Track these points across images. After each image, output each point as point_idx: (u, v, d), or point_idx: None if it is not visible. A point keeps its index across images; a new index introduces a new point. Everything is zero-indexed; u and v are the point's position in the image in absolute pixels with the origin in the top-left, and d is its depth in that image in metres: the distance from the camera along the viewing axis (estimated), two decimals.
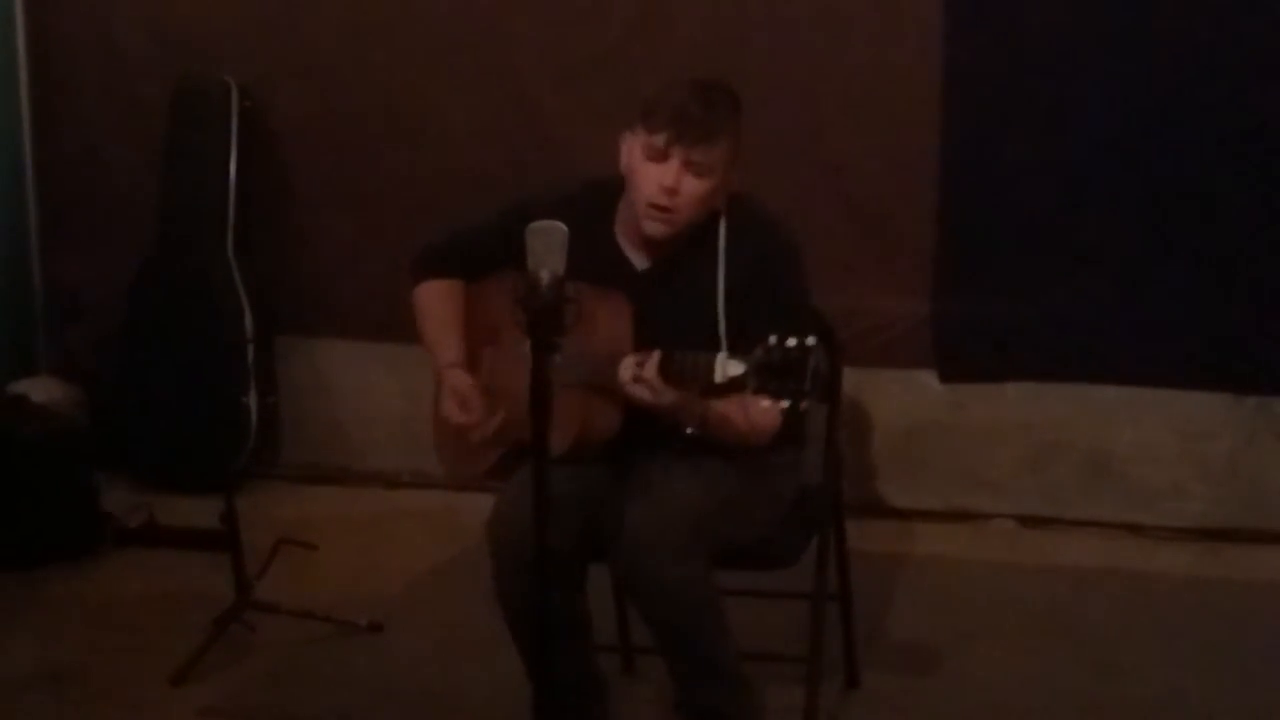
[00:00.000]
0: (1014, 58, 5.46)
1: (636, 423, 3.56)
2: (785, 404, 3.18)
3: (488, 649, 4.08)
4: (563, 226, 2.99)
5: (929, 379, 5.73)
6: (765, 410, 3.34)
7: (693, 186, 3.54)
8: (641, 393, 3.40)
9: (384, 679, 4.43)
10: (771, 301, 3.57)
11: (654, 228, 3.57)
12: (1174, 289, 5.47)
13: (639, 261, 3.69)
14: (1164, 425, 5.61)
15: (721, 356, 3.27)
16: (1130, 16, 5.34)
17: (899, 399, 5.78)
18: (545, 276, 2.94)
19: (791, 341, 3.14)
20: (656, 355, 3.40)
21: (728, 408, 3.49)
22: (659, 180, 3.53)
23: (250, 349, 6.09)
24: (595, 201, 3.68)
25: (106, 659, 4.58)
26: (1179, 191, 5.41)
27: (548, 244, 2.98)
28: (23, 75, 6.36)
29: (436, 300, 3.87)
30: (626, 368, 3.42)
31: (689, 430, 3.51)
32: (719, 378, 3.26)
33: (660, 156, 3.53)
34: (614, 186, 3.68)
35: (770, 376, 3.16)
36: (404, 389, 6.02)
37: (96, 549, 5.44)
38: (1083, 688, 4.36)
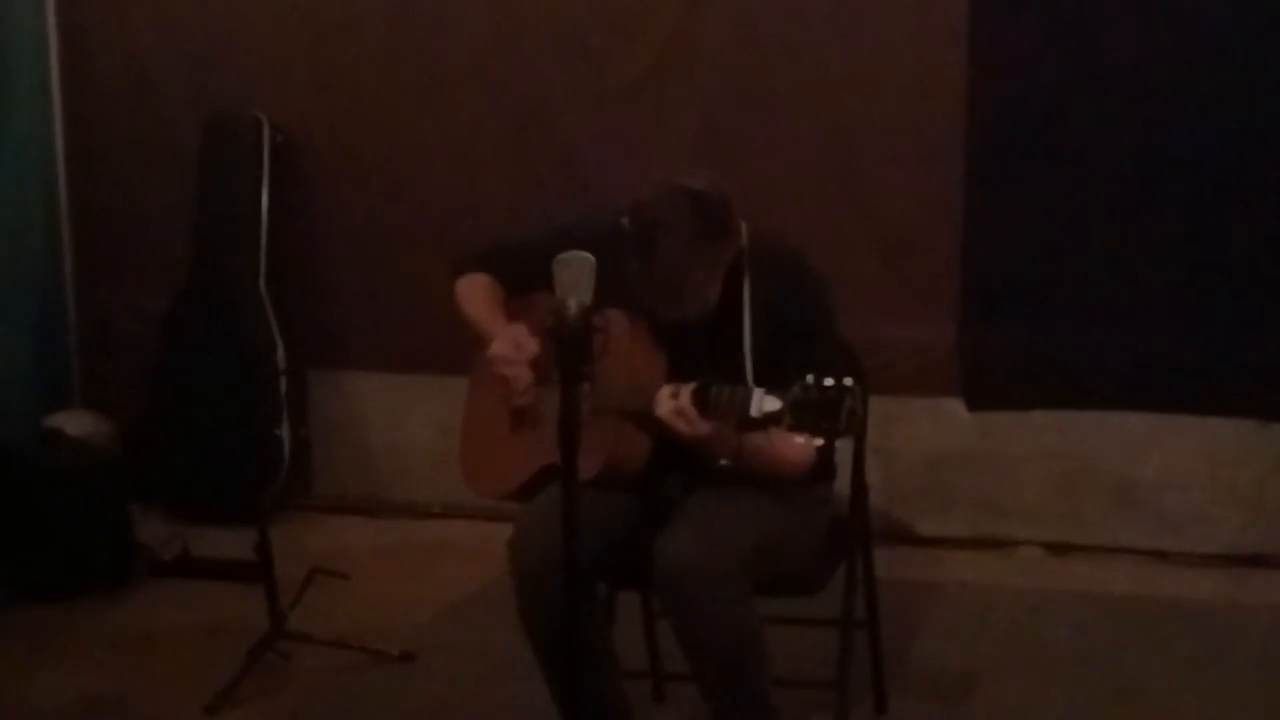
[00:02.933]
0: (1039, 92, 5.47)
1: (669, 453, 3.59)
2: (819, 442, 3.22)
3: (518, 678, 4.09)
4: (590, 257, 3.01)
5: (956, 407, 5.74)
6: (799, 446, 3.37)
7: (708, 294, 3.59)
8: (678, 423, 3.42)
9: (416, 708, 4.46)
10: (800, 337, 3.59)
11: (665, 314, 3.61)
12: (1201, 317, 5.47)
13: None
14: (1191, 452, 5.61)
15: (759, 392, 3.29)
16: (1156, 55, 5.35)
17: (927, 427, 5.79)
18: (573, 306, 2.97)
19: (828, 381, 3.17)
20: (691, 386, 3.42)
21: (761, 441, 3.50)
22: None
23: (283, 381, 6.13)
24: (636, 221, 3.69)
25: (142, 689, 4.62)
26: (1206, 221, 5.41)
27: (575, 275, 3.00)
28: (58, 110, 6.42)
29: (481, 288, 3.87)
30: (665, 397, 3.44)
31: (722, 462, 3.53)
32: (755, 412, 3.28)
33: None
34: None
35: (805, 414, 3.19)
36: (434, 420, 6.05)
37: (131, 580, 5.49)
38: (1110, 715, 4.36)
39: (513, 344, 3.68)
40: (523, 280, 3.78)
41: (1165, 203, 5.44)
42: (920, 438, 5.79)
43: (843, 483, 4.01)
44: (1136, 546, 5.62)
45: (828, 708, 3.93)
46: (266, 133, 6.18)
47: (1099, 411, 5.63)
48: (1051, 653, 4.79)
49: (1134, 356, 5.55)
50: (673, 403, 3.42)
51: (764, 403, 3.27)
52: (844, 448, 3.90)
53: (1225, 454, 5.58)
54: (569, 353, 2.96)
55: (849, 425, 3.17)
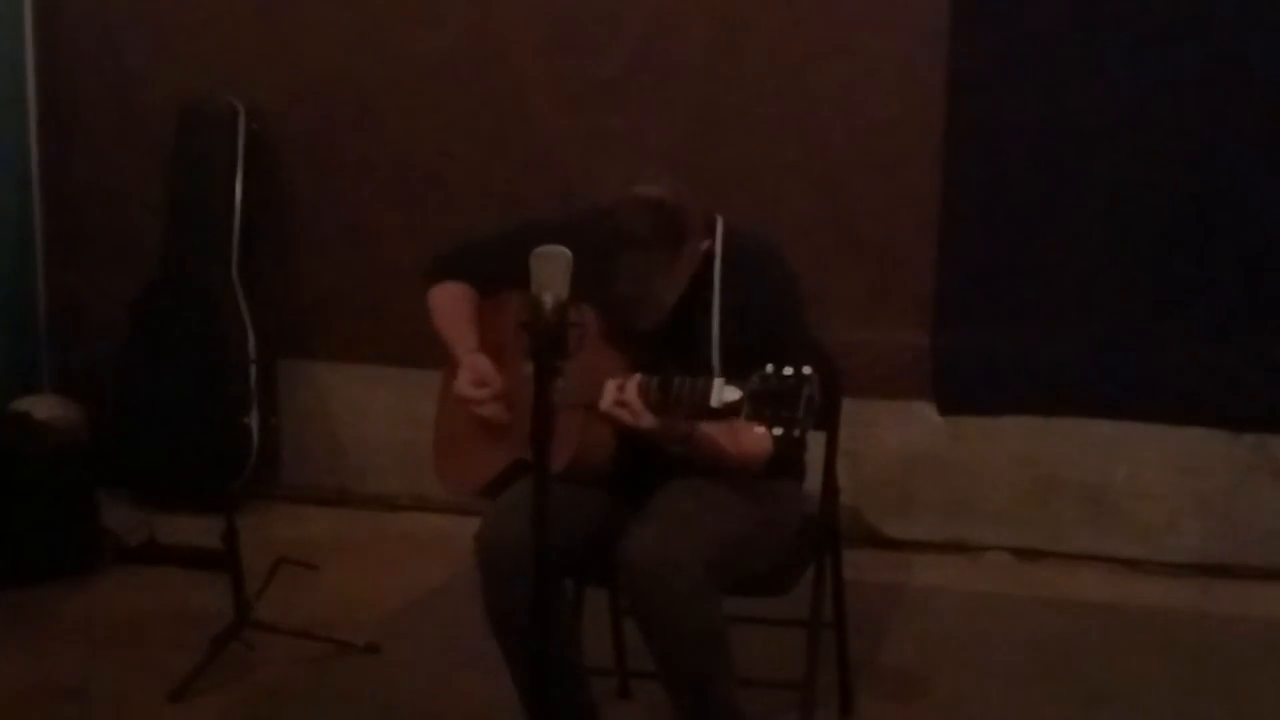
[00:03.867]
0: (1016, 96, 5.48)
1: (638, 450, 3.59)
2: (778, 431, 3.22)
3: (484, 671, 4.09)
4: (567, 252, 3.01)
5: (928, 411, 5.75)
6: (757, 437, 3.37)
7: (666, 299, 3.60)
8: (623, 415, 3.45)
9: (380, 699, 4.45)
10: (767, 329, 3.60)
11: (625, 322, 3.62)
12: (1173, 326, 5.49)
13: None
14: (1161, 461, 5.62)
15: (719, 382, 3.30)
16: (1134, 57, 5.37)
17: (897, 430, 5.79)
18: (549, 300, 2.96)
19: (788, 370, 3.17)
20: (637, 378, 3.44)
21: (717, 431, 3.51)
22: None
23: (253, 370, 6.11)
24: (600, 229, 3.70)
25: (106, 676, 4.60)
26: (1179, 229, 5.43)
27: (552, 269, 2.99)
28: (31, 95, 6.39)
29: (452, 300, 3.91)
30: (610, 389, 3.45)
31: (674, 449, 3.53)
32: (715, 402, 3.29)
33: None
34: None
35: (764, 404, 3.19)
36: (405, 413, 6.03)
37: (97, 566, 5.47)
38: (1074, 719, 4.37)
39: (476, 382, 3.73)
40: (496, 279, 3.81)
41: (1139, 212, 5.46)
42: (891, 441, 5.80)
43: (813, 483, 4.01)
44: (1105, 554, 5.63)
45: (794, 708, 3.94)
46: (241, 121, 6.16)
47: (1070, 418, 5.65)
48: (1018, 658, 4.80)
49: (1106, 364, 5.57)
50: (616, 394, 3.44)
51: (724, 392, 3.27)
52: (815, 448, 3.92)
53: (1195, 463, 5.59)
54: (544, 347, 2.95)
55: (807, 414, 3.17)
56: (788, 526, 3.86)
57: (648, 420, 3.45)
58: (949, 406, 5.74)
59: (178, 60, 6.26)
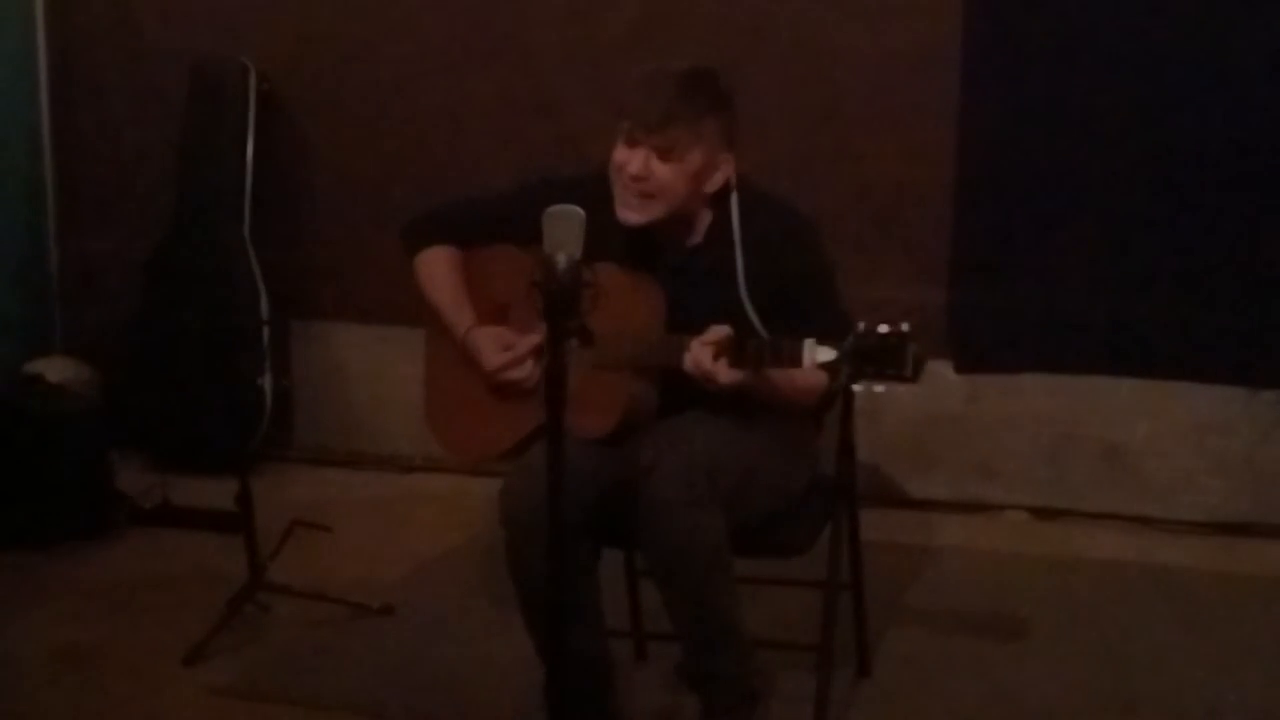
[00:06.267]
0: (1033, 49, 5.45)
1: (671, 397, 3.60)
2: (880, 389, 3.21)
3: (498, 632, 4.09)
4: (580, 211, 2.98)
5: (944, 370, 5.71)
6: (812, 373, 3.36)
7: (662, 171, 3.59)
8: (719, 376, 3.41)
9: (395, 661, 4.43)
10: (807, 285, 3.61)
11: (626, 214, 3.62)
12: (1192, 283, 5.46)
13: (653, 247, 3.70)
14: (1180, 419, 5.60)
15: (810, 343, 3.29)
16: (1150, 8, 5.33)
17: (914, 389, 5.75)
18: (562, 260, 2.92)
19: (884, 327, 3.17)
20: (719, 337, 3.40)
21: (778, 376, 3.50)
22: (625, 166, 3.60)
23: (265, 331, 6.10)
24: (609, 187, 3.69)
25: (120, 638, 4.59)
26: (1197, 185, 5.40)
27: (566, 228, 2.96)
28: (42, 57, 6.38)
29: (443, 269, 3.91)
30: (703, 351, 3.42)
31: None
32: (807, 363, 3.28)
33: (630, 142, 3.60)
34: None
35: (867, 362, 3.18)
36: (418, 373, 5.95)
37: (111, 529, 5.47)
38: (1093, 679, 4.34)
39: (501, 349, 3.73)
40: (483, 235, 3.86)
41: (1158, 169, 5.43)
42: (907, 400, 5.72)
43: (829, 443, 3.99)
44: (1123, 512, 5.62)
45: (811, 669, 3.92)
46: (253, 80, 6.14)
47: (1087, 376, 5.62)
48: (1035, 617, 4.78)
49: (1124, 322, 5.54)
50: (708, 354, 3.40)
51: (818, 353, 3.28)
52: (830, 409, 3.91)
53: (1213, 421, 5.57)
54: (558, 308, 2.92)
55: (916, 371, 3.17)
56: (799, 474, 3.85)
57: (735, 379, 3.42)
58: (966, 365, 5.71)
59: (189, 20, 6.25)
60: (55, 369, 6.03)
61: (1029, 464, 5.74)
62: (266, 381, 6.09)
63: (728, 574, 3.58)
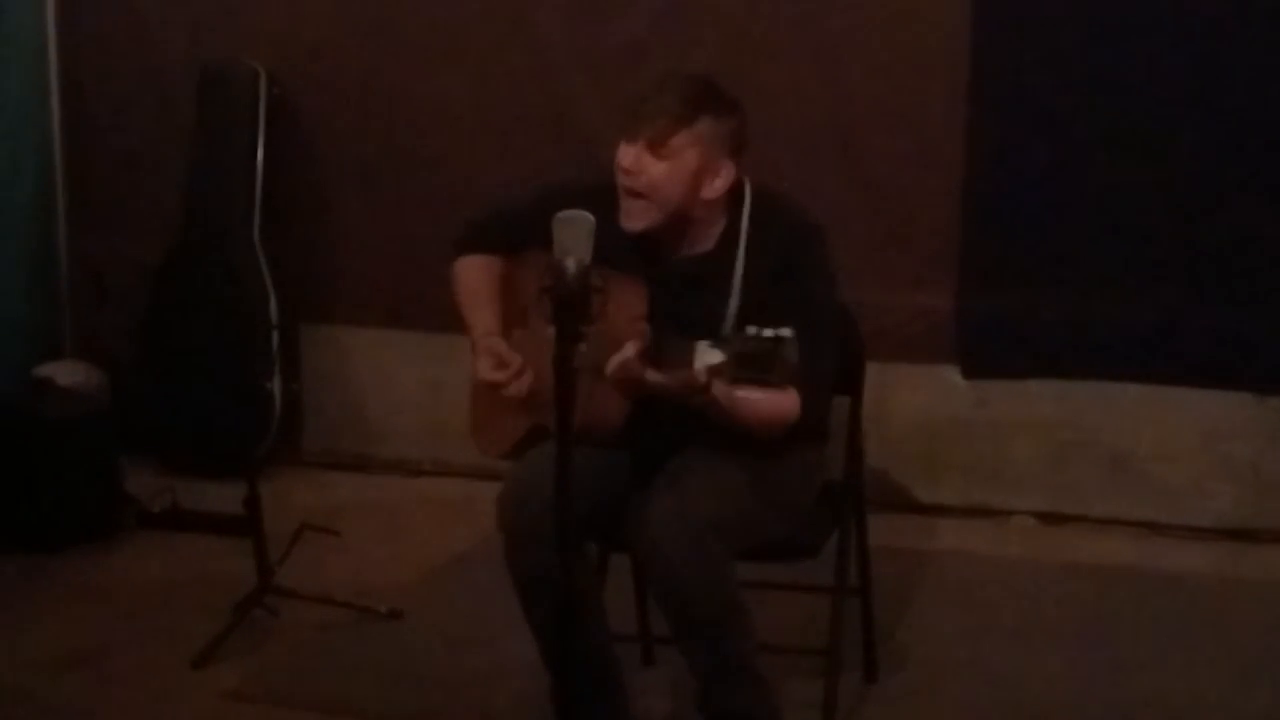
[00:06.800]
0: (1041, 53, 5.45)
1: (657, 412, 3.55)
2: (759, 395, 3.15)
3: (506, 636, 4.09)
4: (589, 216, 2.98)
5: (952, 375, 5.72)
6: (779, 397, 3.28)
7: (655, 169, 3.57)
8: (627, 380, 3.40)
9: (402, 665, 4.44)
10: (790, 276, 3.59)
11: (624, 222, 3.60)
12: (1199, 288, 5.45)
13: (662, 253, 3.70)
14: (1187, 425, 5.59)
15: (702, 345, 3.18)
16: (1158, 13, 5.33)
17: (922, 394, 5.77)
18: (571, 265, 2.93)
19: (767, 331, 3.06)
20: (634, 343, 3.36)
21: (743, 391, 3.45)
22: (620, 160, 3.60)
23: (275, 335, 6.10)
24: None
25: (128, 642, 4.60)
26: (1204, 190, 5.39)
27: (575, 233, 2.97)
28: (53, 60, 6.37)
29: (473, 273, 3.87)
30: (616, 357, 3.40)
31: (694, 403, 3.42)
32: (698, 365, 3.19)
33: (629, 138, 3.60)
34: None
35: (744, 366, 3.12)
36: (426, 378, 6.03)
37: (119, 532, 5.48)
38: (1100, 685, 4.35)
39: (497, 366, 3.67)
40: (518, 244, 3.80)
41: (1166, 174, 5.42)
42: (915, 405, 5.78)
43: (836, 448, 3.99)
44: (1130, 518, 5.61)
45: (818, 675, 3.92)
46: (263, 84, 6.14)
47: (1095, 382, 5.62)
48: (1043, 622, 4.79)
49: (1131, 327, 5.54)
50: (620, 359, 3.37)
51: (708, 355, 3.11)
52: (839, 411, 3.90)
53: (1221, 427, 5.56)
54: (567, 312, 2.93)
55: (780, 376, 3.01)
56: (808, 492, 3.84)
57: (653, 378, 3.37)
58: (974, 370, 5.71)
59: (199, 24, 6.25)
60: (65, 373, 6.02)
61: (1036, 469, 5.73)
62: (276, 385, 6.10)
63: (742, 619, 3.57)
